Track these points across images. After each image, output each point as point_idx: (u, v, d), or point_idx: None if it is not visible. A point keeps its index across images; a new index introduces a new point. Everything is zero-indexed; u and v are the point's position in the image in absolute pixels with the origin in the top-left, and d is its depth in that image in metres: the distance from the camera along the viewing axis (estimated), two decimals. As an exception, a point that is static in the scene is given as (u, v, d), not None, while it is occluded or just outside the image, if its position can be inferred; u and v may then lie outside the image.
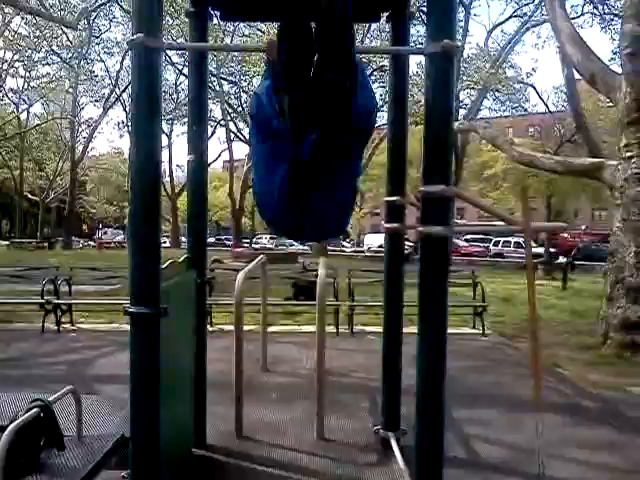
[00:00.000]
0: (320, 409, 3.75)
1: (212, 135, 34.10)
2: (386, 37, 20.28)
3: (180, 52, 25.17)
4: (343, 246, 39.58)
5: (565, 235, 34.60)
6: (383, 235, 3.87)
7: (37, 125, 37.52)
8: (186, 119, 3.77)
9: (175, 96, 31.70)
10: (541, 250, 22.07)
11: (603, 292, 7.27)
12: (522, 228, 2.50)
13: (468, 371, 5.67)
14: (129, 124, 31.27)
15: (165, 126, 34.50)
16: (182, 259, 3.33)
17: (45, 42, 26.93)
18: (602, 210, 43.02)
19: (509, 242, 35.01)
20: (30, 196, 43.58)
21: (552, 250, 21.94)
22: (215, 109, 29.00)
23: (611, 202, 7.58)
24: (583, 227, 46.86)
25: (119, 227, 58.64)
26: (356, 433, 3.84)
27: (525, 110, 32.17)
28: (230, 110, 28.20)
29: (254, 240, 40.42)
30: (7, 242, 37.29)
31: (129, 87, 29.35)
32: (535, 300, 2.42)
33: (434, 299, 2.39)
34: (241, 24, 22.25)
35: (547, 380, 5.19)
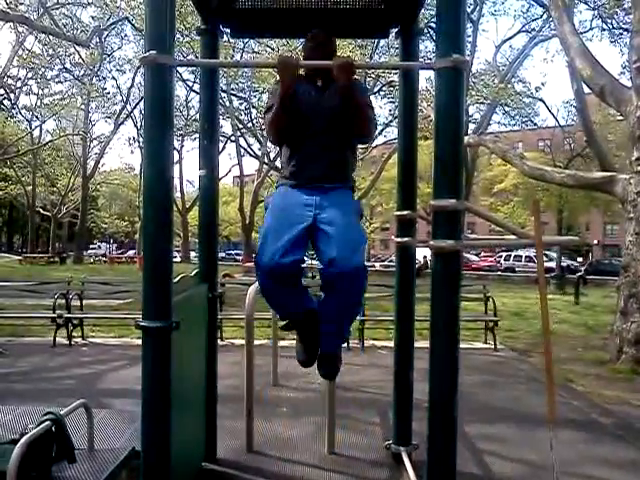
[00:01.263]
0: (331, 424, 3.73)
1: (222, 150, 34.29)
2: (395, 53, 20.42)
3: (191, 69, 25.53)
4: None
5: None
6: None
7: (49, 141, 37.91)
8: (196, 135, 3.83)
9: (186, 112, 31.99)
10: (552, 264, 21.90)
11: (616, 307, 7.21)
12: (534, 242, 2.49)
13: (480, 386, 5.63)
14: (140, 140, 31.60)
15: (176, 142, 34.73)
16: (193, 273, 3.35)
17: (58, 60, 27.35)
18: (614, 224, 42.78)
19: (520, 256, 34.87)
20: (42, 211, 44.00)
21: (563, 264, 21.75)
22: (225, 125, 29.18)
23: (623, 216, 7.53)
24: (595, 242, 46.59)
25: (114, 241, 58.80)
26: (367, 448, 3.82)
27: (535, 124, 32.11)
28: (240, 126, 28.33)
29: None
30: (19, 257, 37.59)
31: (140, 104, 29.73)
32: (548, 316, 2.40)
33: (446, 313, 2.37)
34: (251, 41, 22.51)
35: (561, 395, 5.13)
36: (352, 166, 2.96)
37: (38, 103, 34.38)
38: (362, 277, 2.57)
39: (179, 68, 23.68)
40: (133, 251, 45.79)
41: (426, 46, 19.73)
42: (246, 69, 23.15)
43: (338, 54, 3.08)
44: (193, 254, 36.03)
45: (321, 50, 2.86)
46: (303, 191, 2.75)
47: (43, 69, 28.06)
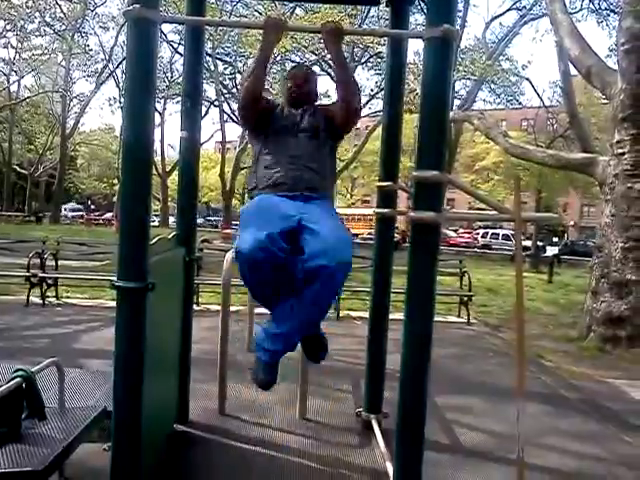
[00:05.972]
0: (303, 390, 3.77)
1: (205, 115, 33.73)
2: (384, 24, 20.16)
3: (175, 30, 24.92)
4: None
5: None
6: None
7: (28, 97, 36.92)
8: (179, 98, 3.74)
9: (169, 74, 31.34)
10: (528, 243, 22.18)
11: (587, 286, 7.35)
12: (513, 217, 2.50)
13: (452, 359, 5.72)
14: (121, 100, 30.89)
15: (158, 104, 34.06)
16: (171, 236, 3.31)
17: (38, 13, 26.44)
18: (590, 206, 43.35)
19: (497, 234, 35.35)
20: (19, 169, 43.06)
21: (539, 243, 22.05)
22: (209, 89, 28.67)
23: (600, 198, 7.63)
24: (571, 223, 47.22)
25: (92, 202, 57.74)
26: (338, 414, 3.87)
27: (520, 103, 32.11)
28: (224, 91, 27.83)
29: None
30: (-6, 214, 36.94)
31: (123, 63, 29.01)
32: (523, 291, 2.42)
33: (422, 285, 2.38)
34: (239, 4, 22.05)
35: (530, 370, 5.25)
36: (332, 180, 2.93)
37: (16, 57, 33.35)
38: (346, 272, 2.47)
39: (164, 28, 23.17)
40: (111, 213, 45.16)
41: (416, 19, 19.53)
42: (232, 33, 22.66)
43: (327, 21, 3.00)
44: (172, 219, 35.71)
45: (301, 89, 2.87)
46: (284, 198, 2.64)
47: (22, 21, 27.15)
